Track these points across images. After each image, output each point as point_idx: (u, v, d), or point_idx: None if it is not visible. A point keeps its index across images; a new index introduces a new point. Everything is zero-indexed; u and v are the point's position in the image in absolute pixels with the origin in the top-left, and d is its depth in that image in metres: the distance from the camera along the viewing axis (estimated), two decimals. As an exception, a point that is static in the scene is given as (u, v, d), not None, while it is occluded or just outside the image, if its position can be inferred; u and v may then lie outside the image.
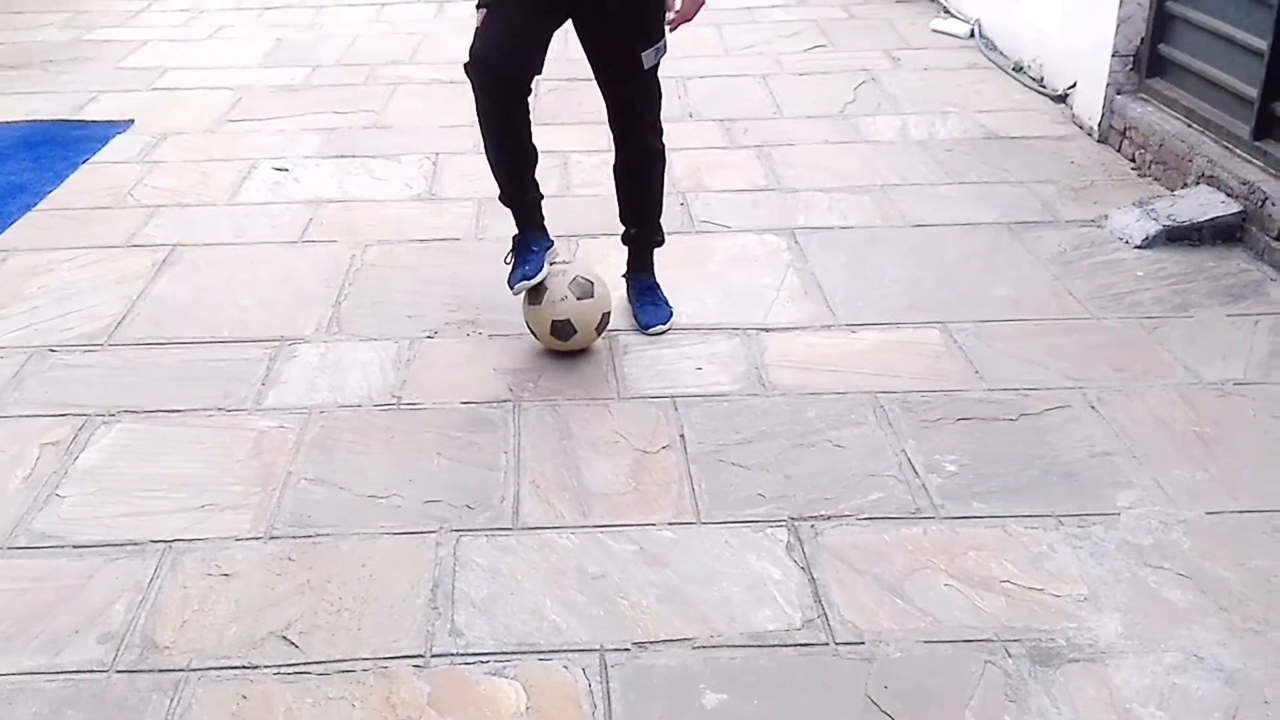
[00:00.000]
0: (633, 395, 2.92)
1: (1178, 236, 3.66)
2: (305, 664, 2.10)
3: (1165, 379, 2.95)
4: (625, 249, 3.42)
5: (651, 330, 3.23)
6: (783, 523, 2.45)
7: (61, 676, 2.08)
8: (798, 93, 5.29)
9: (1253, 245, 3.61)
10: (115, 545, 2.40)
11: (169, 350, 3.16)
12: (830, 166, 4.41)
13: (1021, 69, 5.43)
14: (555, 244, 3.21)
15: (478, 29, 2.95)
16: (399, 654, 2.12)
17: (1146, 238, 3.66)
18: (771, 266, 3.60)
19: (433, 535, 2.43)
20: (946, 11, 6.50)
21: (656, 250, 3.42)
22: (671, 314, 3.29)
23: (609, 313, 3.13)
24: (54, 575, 2.33)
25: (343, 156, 4.61)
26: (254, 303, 3.41)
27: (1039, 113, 4.93)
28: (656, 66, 3.19)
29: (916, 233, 3.83)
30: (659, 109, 3.31)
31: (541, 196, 3.28)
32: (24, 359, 3.11)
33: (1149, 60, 4.38)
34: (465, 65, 2.96)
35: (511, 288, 3.09)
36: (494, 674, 2.08)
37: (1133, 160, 4.35)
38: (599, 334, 3.12)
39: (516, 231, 3.21)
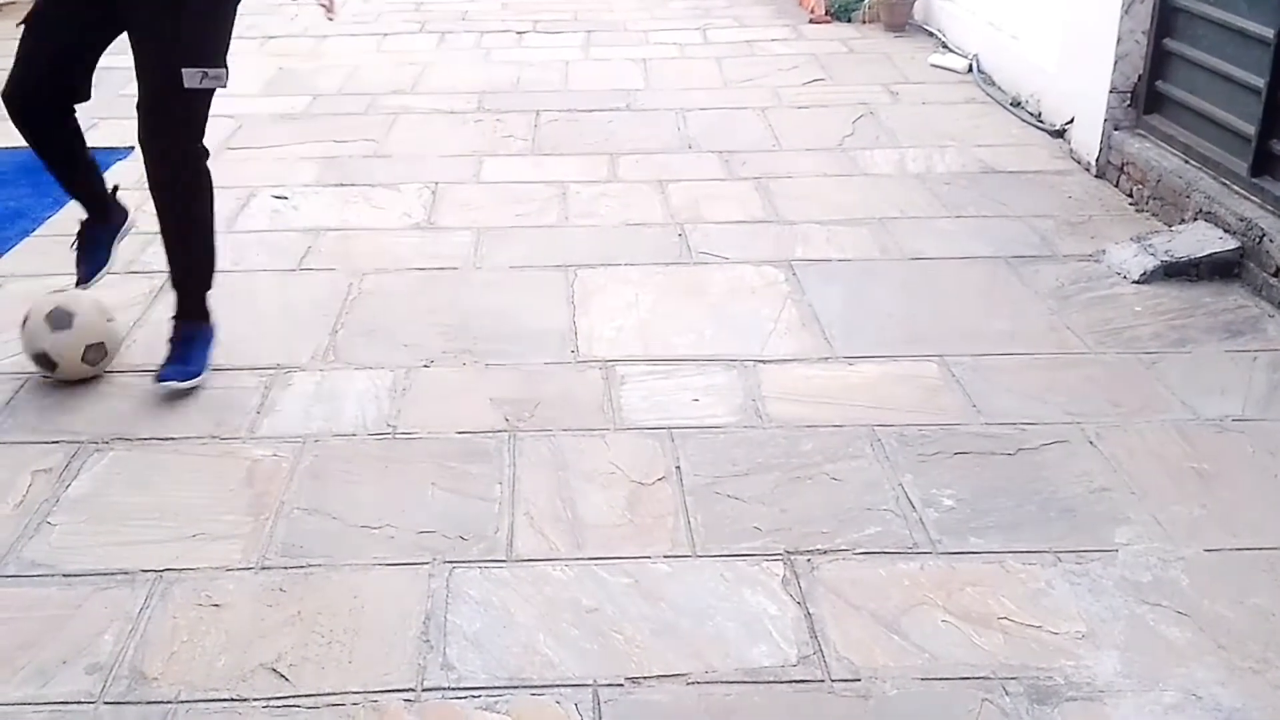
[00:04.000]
0: (629, 426, 2.91)
1: (1175, 272, 3.67)
2: (294, 697, 2.08)
3: (1163, 415, 2.94)
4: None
5: (165, 383, 2.99)
6: (779, 556, 2.43)
7: (48, 708, 2.06)
8: (796, 126, 5.31)
9: (1250, 281, 3.61)
10: (105, 574, 2.38)
11: (164, 377, 3.15)
12: (828, 199, 4.42)
13: (1019, 104, 5.46)
14: (128, 219, 3.26)
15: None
16: (390, 687, 2.10)
17: (1144, 273, 3.66)
18: (769, 298, 3.60)
19: (425, 567, 2.40)
20: (945, 47, 6.54)
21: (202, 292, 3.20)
22: (200, 372, 3.06)
23: (98, 344, 3.06)
24: (43, 604, 2.30)
25: (342, 185, 4.61)
26: (250, 331, 3.40)
27: (1037, 147, 4.94)
28: (202, 93, 2.87)
29: (914, 266, 3.83)
30: (200, 135, 2.98)
31: (102, 189, 3.22)
32: (18, 385, 3.09)
33: (1147, 96, 4.40)
34: None
35: (84, 284, 3.15)
36: (485, 709, 2.05)
37: (1130, 196, 4.36)
38: (91, 366, 3.07)
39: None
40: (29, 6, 2.92)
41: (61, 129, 2.99)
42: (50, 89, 2.91)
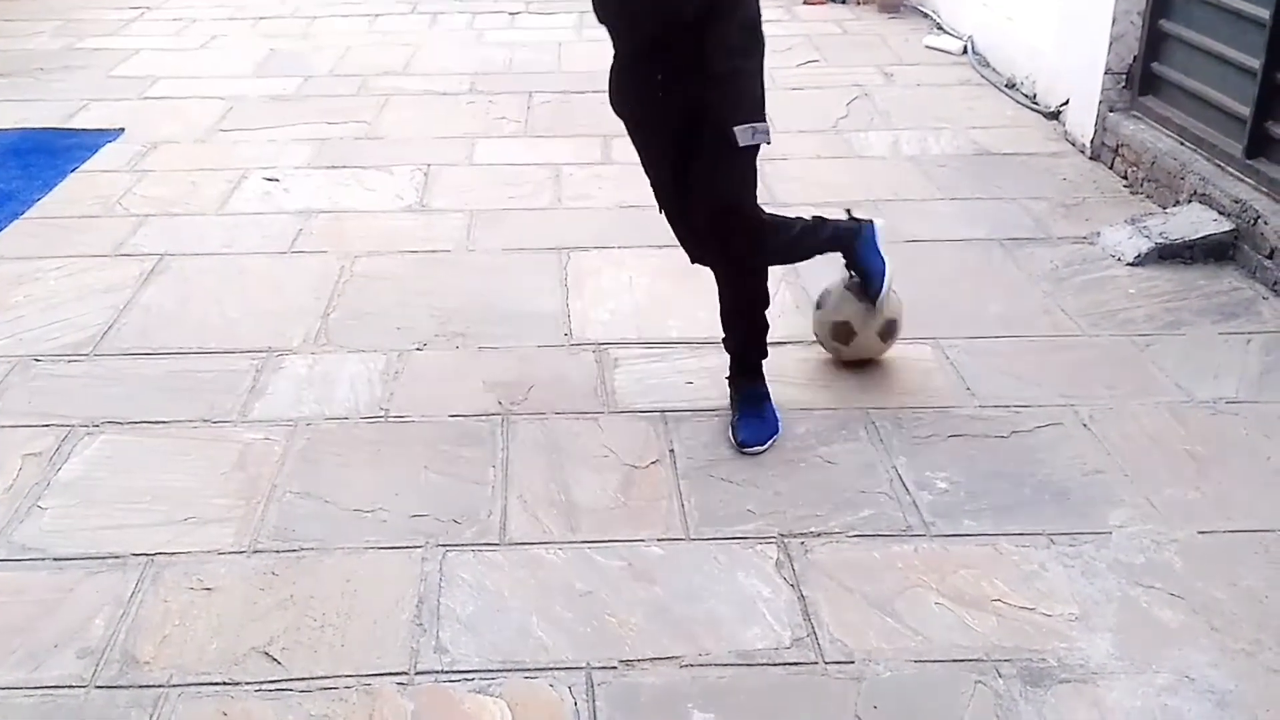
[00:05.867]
0: (623, 409, 2.90)
1: (1170, 254, 3.66)
2: (287, 681, 2.08)
3: (1157, 397, 2.94)
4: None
5: (748, 449, 2.73)
6: (772, 539, 2.43)
7: (40, 692, 2.05)
8: (790, 107, 5.28)
9: (1245, 263, 3.60)
10: (97, 558, 2.37)
11: (155, 361, 3.13)
12: (822, 181, 4.40)
13: (1014, 86, 5.44)
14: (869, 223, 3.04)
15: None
16: (383, 671, 2.10)
17: (1139, 255, 3.66)
18: (763, 281, 3.58)
19: (419, 550, 2.40)
20: (940, 28, 6.52)
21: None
22: (775, 433, 2.78)
23: (893, 320, 2.99)
24: (34, 588, 2.30)
25: (334, 167, 4.59)
26: (242, 313, 3.39)
27: (1031, 129, 4.93)
28: (754, 149, 2.65)
29: (908, 248, 3.81)
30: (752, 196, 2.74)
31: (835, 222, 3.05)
32: (8, 368, 3.08)
33: (1142, 78, 4.39)
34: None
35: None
36: (479, 692, 2.05)
37: (1125, 177, 4.34)
38: (883, 342, 3.02)
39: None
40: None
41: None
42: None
